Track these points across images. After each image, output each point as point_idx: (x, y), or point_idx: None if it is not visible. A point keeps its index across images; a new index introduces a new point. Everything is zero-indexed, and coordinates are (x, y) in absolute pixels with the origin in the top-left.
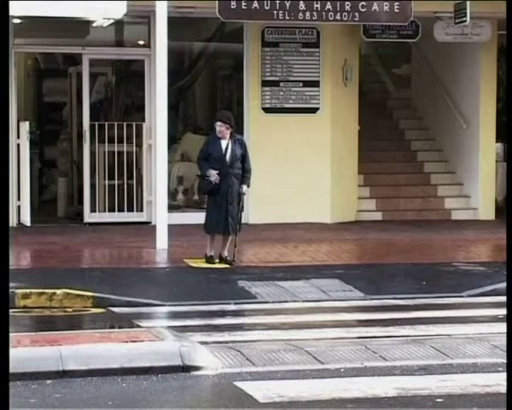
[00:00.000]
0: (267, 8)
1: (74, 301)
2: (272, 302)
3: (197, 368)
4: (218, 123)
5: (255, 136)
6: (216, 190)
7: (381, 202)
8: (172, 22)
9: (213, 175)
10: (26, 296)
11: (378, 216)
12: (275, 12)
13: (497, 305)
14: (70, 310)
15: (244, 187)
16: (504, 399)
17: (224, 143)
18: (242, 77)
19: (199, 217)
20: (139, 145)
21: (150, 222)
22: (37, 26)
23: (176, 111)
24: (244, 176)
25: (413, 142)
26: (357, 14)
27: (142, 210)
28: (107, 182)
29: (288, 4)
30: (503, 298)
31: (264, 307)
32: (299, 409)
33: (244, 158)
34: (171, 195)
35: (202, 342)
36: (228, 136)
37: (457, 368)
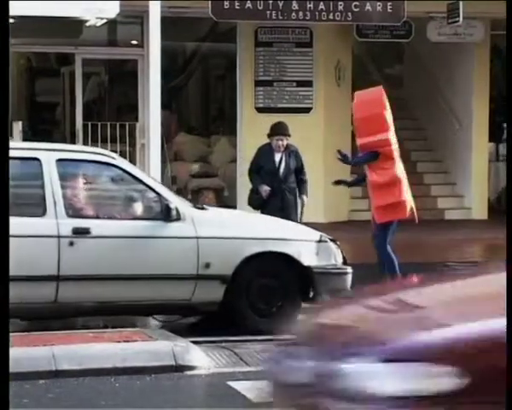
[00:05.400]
0: (260, 8)
1: None
2: None
3: (190, 368)
4: (278, 137)
5: (248, 136)
6: (266, 206)
7: None
8: (165, 22)
9: (265, 191)
10: None
11: (371, 216)
12: (268, 12)
13: None
14: None
15: (304, 198)
16: None
17: (277, 156)
18: (235, 77)
19: None
20: (132, 145)
21: None
22: (30, 25)
23: (169, 111)
24: (302, 186)
25: (406, 142)
26: (350, 13)
27: None
28: None
29: (280, 4)
30: None
31: None
32: None
33: (300, 170)
34: None
35: (195, 342)
36: (283, 148)
37: None
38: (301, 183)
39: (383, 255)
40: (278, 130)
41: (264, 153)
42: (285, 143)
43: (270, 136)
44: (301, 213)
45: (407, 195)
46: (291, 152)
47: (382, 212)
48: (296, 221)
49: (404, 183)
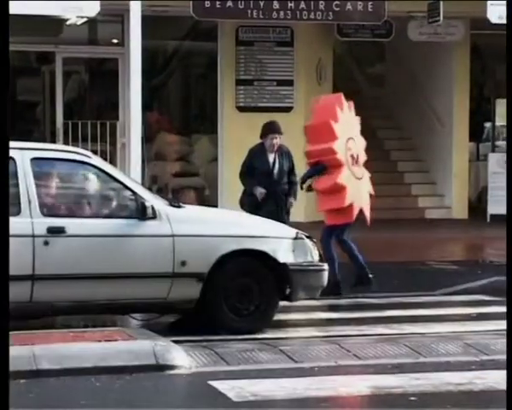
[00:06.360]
0: (241, 6)
1: None
2: None
3: (171, 367)
4: (273, 136)
5: (229, 135)
6: (259, 209)
7: None
8: (146, 21)
9: (260, 193)
10: None
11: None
12: (249, 11)
13: (470, 303)
14: None
15: (292, 199)
16: (477, 397)
17: (271, 157)
18: (216, 76)
19: None
20: (113, 144)
21: None
22: (10, 24)
23: (150, 110)
24: (291, 188)
25: (387, 141)
26: (330, 13)
27: None
28: None
29: (261, 3)
30: (476, 296)
31: None
32: (272, 408)
33: (291, 171)
34: None
35: (176, 341)
36: (277, 147)
37: (431, 367)
38: (291, 185)
39: (326, 252)
40: (273, 128)
41: (257, 154)
42: (279, 141)
43: (263, 135)
44: (289, 213)
45: (359, 198)
46: (283, 152)
47: (329, 215)
48: (289, 223)
49: (353, 188)
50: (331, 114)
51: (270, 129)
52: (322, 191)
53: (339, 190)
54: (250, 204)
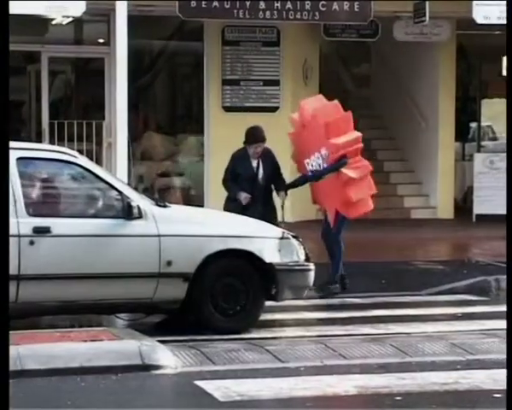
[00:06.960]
0: (227, 6)
1: None
2: None
3: (157, 367)
4: (257, 145)
5: (215, 135)
6: (245, 214)
7: None
8: (132, 20)
9: (245, 198)
10: None
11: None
12: (235, 11)
13: (456, 303)
14: None
15: (282, 193)
16: (462, 397)
17: (254, 162)
18: (203, 75)
19: None
20: (99, 144)
21: None
22: None
23: (136, 109)
24: (280, 184)
25: (372, 141)
26: (317, 13)
27: None
28: None
29: (248, 3)
30: (462, 296)
31: None
32: (258, 408)
33: (278, 174)
34: None
35: (162, 341)
36: (260, 153)
37: (416, 366)
38: (280, 181)
39: (335, 245)
40: (256, 137)
41: (240, 159)
42: (263, 147)
43: (246, 143)
44: (282, 208)
45: None
46: (267, 154)
47: (350, 208)
48: (278, 226)
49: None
50: (340, 108)
51: (253, 135)
52: (355, 181)
53: (367, 176)
54: (235, 209)
